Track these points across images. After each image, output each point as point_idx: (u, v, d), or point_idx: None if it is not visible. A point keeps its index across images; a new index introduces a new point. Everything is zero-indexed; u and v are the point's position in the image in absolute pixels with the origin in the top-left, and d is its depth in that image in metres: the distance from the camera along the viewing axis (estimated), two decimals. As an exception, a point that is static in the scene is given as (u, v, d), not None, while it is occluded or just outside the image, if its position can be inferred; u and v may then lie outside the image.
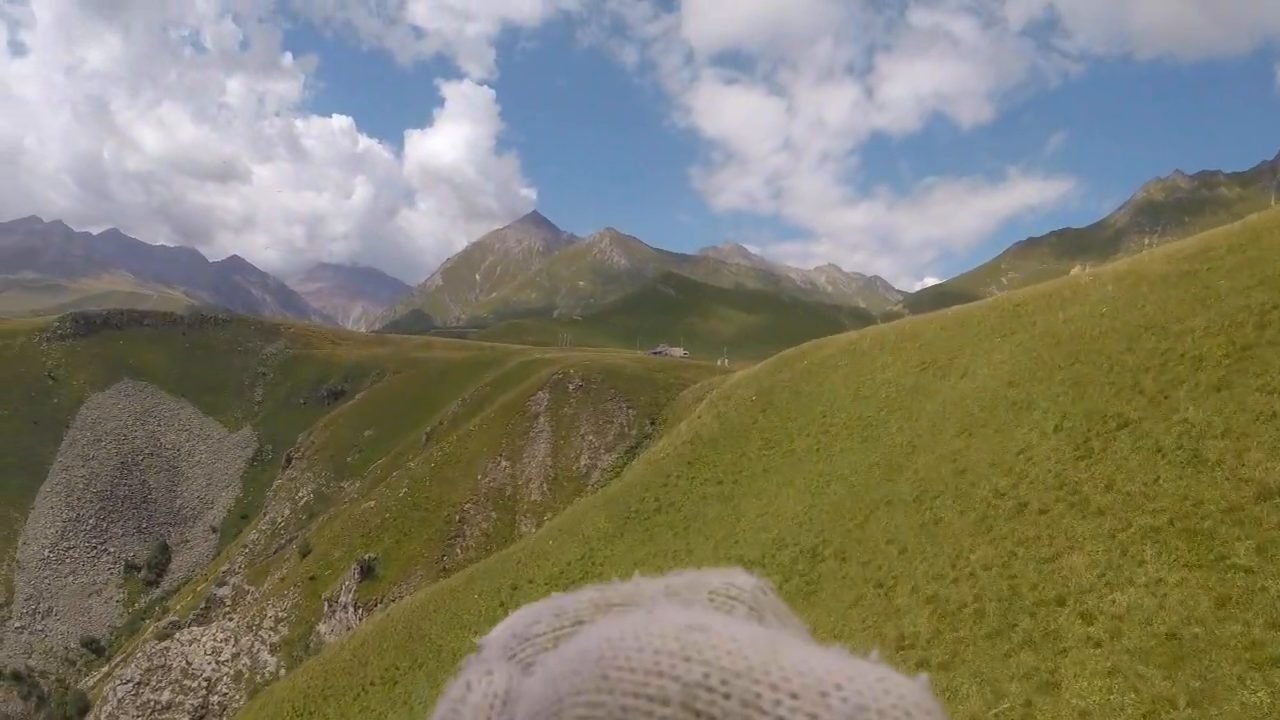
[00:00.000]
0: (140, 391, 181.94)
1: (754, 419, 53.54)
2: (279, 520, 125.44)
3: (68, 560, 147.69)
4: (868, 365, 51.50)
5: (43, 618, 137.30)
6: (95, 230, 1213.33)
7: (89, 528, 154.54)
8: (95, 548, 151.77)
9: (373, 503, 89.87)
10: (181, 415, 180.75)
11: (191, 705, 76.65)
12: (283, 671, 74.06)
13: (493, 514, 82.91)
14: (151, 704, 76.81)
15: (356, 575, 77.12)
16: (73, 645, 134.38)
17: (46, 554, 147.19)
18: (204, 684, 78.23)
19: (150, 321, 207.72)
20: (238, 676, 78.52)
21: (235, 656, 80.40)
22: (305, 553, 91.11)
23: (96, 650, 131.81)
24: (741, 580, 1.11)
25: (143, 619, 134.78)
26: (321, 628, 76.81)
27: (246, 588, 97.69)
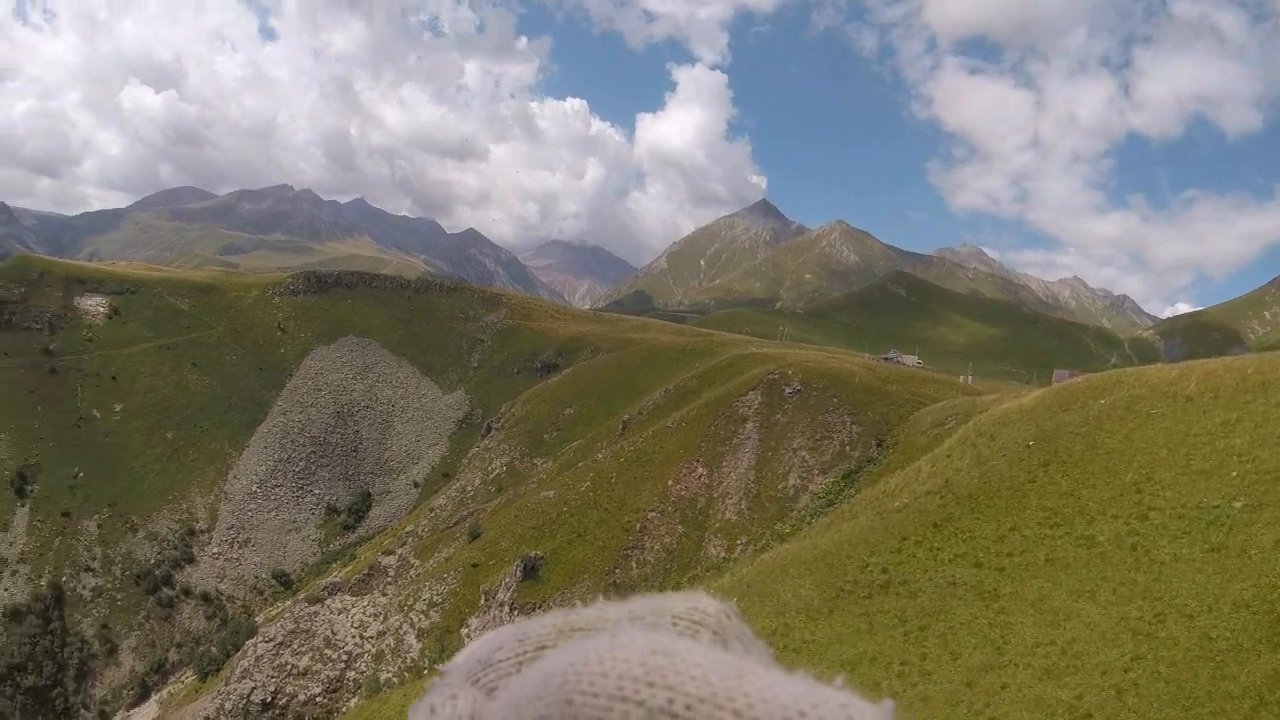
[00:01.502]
0: (364, 348, 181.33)
1: (1030, 476, 38.00)
2: (468, 489, 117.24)
3: (273, 497, 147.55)
4: (1201, 421, 35.66)
5: (240, 547, 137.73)
6: (342, 199, 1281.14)
7: (298, 469, 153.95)
8: (300, 488, 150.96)
9: (552, 493, 78.71)
10: (400, 373, 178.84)
11: (328, 676, 68.40)
12: (426, 659, 64.49)
13: (679, 527, 70.04)
14: (289, 667, 69.14)
15: (519, 573, 66.43)
16: (263, 576, 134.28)
17: (254, 489, 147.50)
18: (344, 656, 70.07)
19: (380, 284, 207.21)
20: (379, 656, 69.42)
21: (381, 635, 71.35)
22: (474, 535, 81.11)
23: (285, 583, 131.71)
24: (705, 604, 1.19)
25: (335, 560, 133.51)
26: (474, 622, 66.43)
27: (412, 561, 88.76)
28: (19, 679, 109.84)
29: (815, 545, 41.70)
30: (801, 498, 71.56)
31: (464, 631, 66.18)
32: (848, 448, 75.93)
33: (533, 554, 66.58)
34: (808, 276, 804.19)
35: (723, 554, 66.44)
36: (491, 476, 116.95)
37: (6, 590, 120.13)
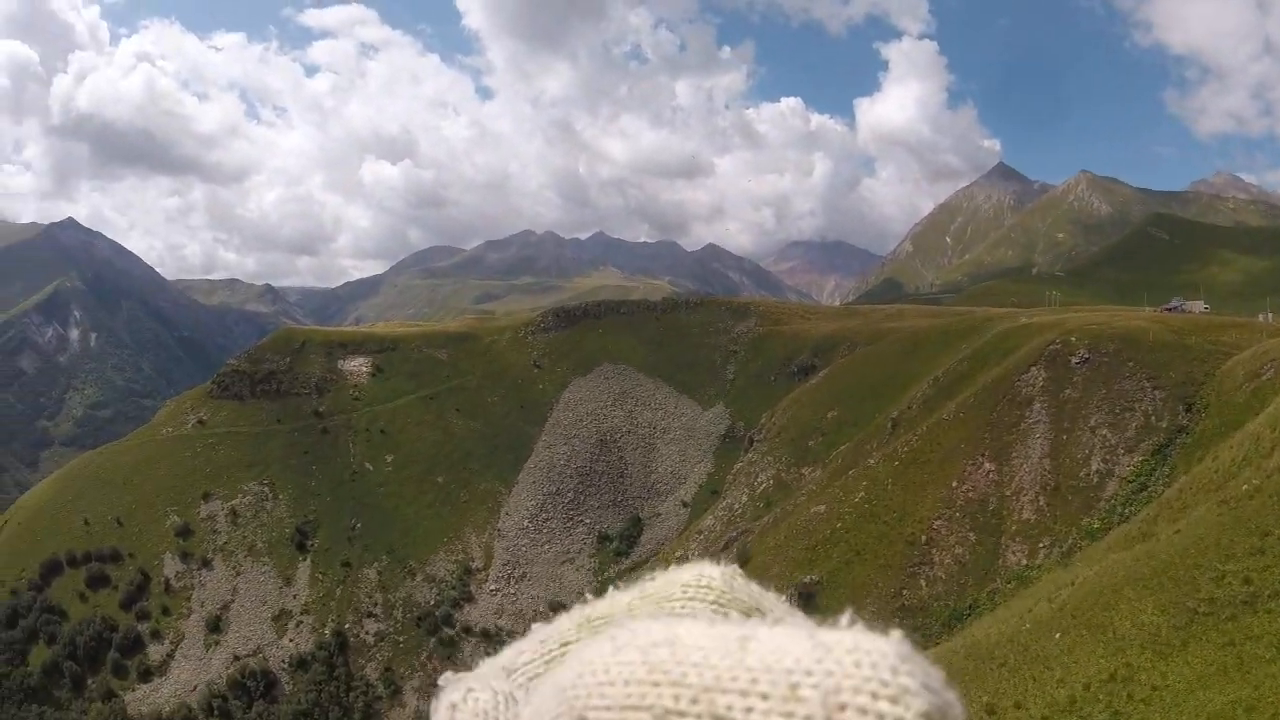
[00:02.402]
0: (619, 374, 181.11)
1: None
2: (736, 506, 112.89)
3: (545, 530, 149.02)
4: None
5: (516, 582, 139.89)
6: (583, 235, 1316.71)
7: (567, 501, 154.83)
8: (571, 519, 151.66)
9: (823, 507, 72.44)
10: (657, 395, 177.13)
11: None
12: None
13: (970, 535, 62.42)
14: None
15: (794, 603, 60.50)
16: (541, 609, 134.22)
17: (526, 524, 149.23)
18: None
19: (626, 310, 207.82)
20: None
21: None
22: (743, 561, 75.76)
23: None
24: (711, 571, 1.25)
25: (611, 586, 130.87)
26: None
27: None
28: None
29: (1150, 553, 33.80)
30: (1108, 484, 62.38)
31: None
32: (1153, 418, 65.77)
33: (807, 579, 61.18)
34: (1060, 236, 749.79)
35: (1024, 560, 58.46)
36: (759, 491, 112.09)
37: (292, 641, 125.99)
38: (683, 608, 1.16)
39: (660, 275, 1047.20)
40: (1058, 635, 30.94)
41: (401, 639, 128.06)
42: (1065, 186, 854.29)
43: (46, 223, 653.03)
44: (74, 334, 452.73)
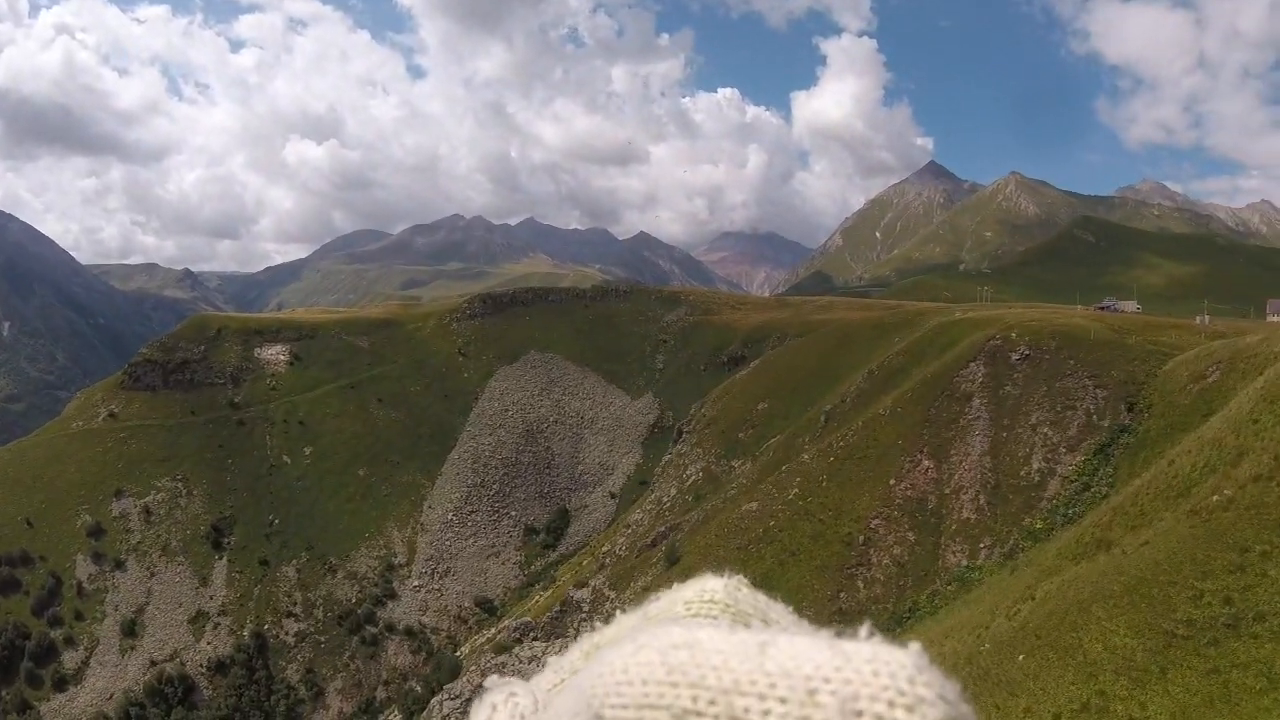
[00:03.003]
0: (546, 363, 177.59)
1: None
2: (665, 500, 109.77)
3: (469, 524, 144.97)
4: None
5: (440, 577, 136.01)
6: (513, 221, 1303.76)
7: (492, 493, 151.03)
8: (497, 512, 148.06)
9: (755, 504, 69.35)
10: (585, 384, 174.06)
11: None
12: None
13: (909, 534, 59.89)
14: (479, 726, 62.00)
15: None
16: (466, 605, 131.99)
17: (450, 518, 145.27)
18: (537, 712, 62.39)
19: (555, 298, 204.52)
20: (578, 710, 61.63)
21: (578, 686, 63.62)
22: (672, 560, 72.45)
23: (489, 609, 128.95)
24: (713, 584, 1.25)
25: (536, 582, 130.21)
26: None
27: (607, 593, 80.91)
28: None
29: (1118, 568, 31.13)
30: (1049, 484, 60.38)
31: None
32: (1094, 417, 63.98)
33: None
34: (988, 235, 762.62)
35: (964, 561, 56.18)
36: (688, 484, 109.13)
37: (209, 644, 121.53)
38: (699, 621, 1.17)
39: (591, 263, 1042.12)
40: (1021, 658, 28.19)
41: (323, 639, 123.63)
42: (995, 187, 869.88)
43: None
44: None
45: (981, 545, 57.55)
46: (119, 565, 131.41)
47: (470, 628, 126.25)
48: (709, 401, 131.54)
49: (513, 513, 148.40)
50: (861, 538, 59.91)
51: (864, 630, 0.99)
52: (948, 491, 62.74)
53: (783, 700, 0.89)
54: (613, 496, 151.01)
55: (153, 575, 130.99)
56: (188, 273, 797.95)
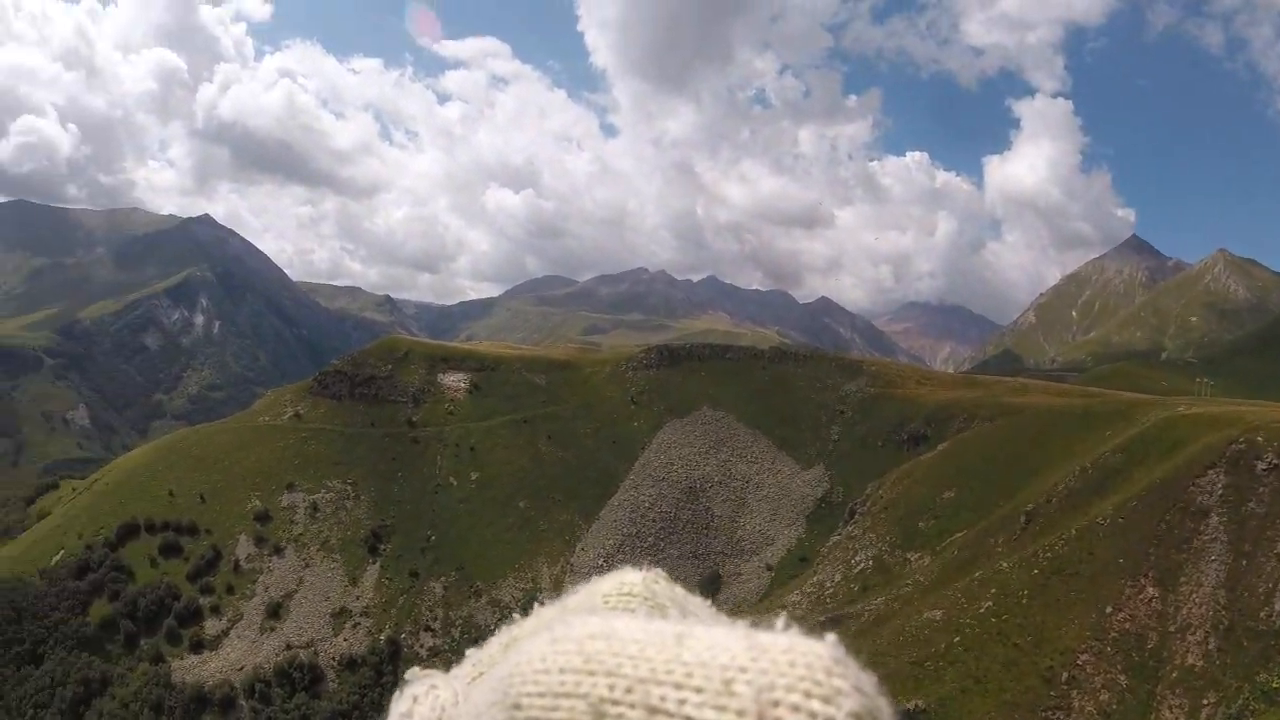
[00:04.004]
0: (717, 422, 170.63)
1: None
2: (828, 585, 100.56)
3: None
4: None
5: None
6: (695, 277, 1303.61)
7: (646, 545, 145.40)
8: (647, 565, 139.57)
9: (940, 614, 59.52)
10: (755, 448, 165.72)
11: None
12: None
13: (1120, 677, 50.15)
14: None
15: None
16: None
17: (600, 563, 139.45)
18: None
19: (732, 356, 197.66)
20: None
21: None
22: None
23: None
24: (631, 577, 1.26)
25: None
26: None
27: None
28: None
29: None
30: (1298, 633, 49.57)
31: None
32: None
33: (912, 704, 48.52)
34: (1193, 319, 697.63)
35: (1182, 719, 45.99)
36: (855, 571, 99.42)
37: (345, 640, 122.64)
38: (617, 612, 1.16)
39: (769, 324, 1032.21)
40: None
41: (454, 658, 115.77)
42: (1201, 266, 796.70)
43: (185, 216, 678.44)
44: (199, 319, 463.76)
45: (1205, 701, 47.49)
46: (278, 551, 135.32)
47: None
48: (888, 482, 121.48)
49: (663, 569, 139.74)
50: (1065, 675, 50.13)
51: (780, 621, 0.97)
52: (1172, 629, 52.44)
53: (699, 690, 0.87)
54: (769, 569, 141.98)
55: (307, 566, 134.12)
56: (388, 299, 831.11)
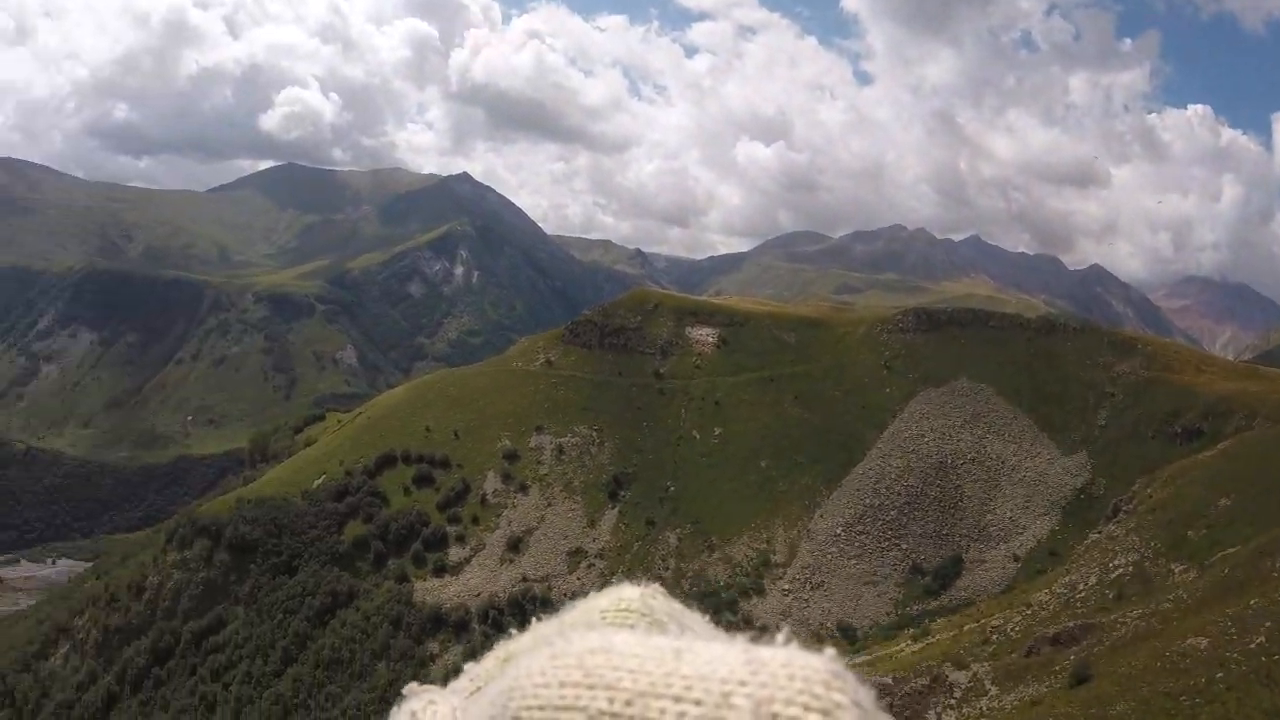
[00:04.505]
0: (975, 394, 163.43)
1: None
2: (1080, 587, 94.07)
3: (856, 543, 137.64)
4: None
5: (812, 589, 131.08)
6: (956, 237, 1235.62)
7: (888, 519, 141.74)
8: (887, 539, 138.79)
9: (1205, 642, 53.73)
10: (1014, 426, 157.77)
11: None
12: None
13: None
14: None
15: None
16: (828, 625, 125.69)
17: (838, 532, 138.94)
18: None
19: (995, 324, 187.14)
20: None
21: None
22: (1079, 679, 57.88)
23: (849, 637, 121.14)
24: (629, 593, 1.28)
25: (908, 626, 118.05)
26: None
27: (987, 686, 68.24)
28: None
29: None
30: None
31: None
32: None
33: None
34: None
35: None
36: (1112, 576, 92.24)
37: (578, 579, 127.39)
38: (616, 627, 1.16)
39: (1036, 292, 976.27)
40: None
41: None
42: None
43: (444, 175, 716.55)
44: (459, 270, 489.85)
45: None
46: (523, 489, 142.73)
47: (823, 649, 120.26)
48: (1160, 481, 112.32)
49: (904, 545, 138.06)
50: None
51: (781, 636, 0.99)
52: None
53: (697, 703, 0.88)
54: (1015, 559, 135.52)
55: (549, 505, 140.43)
56: (639, 252, 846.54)
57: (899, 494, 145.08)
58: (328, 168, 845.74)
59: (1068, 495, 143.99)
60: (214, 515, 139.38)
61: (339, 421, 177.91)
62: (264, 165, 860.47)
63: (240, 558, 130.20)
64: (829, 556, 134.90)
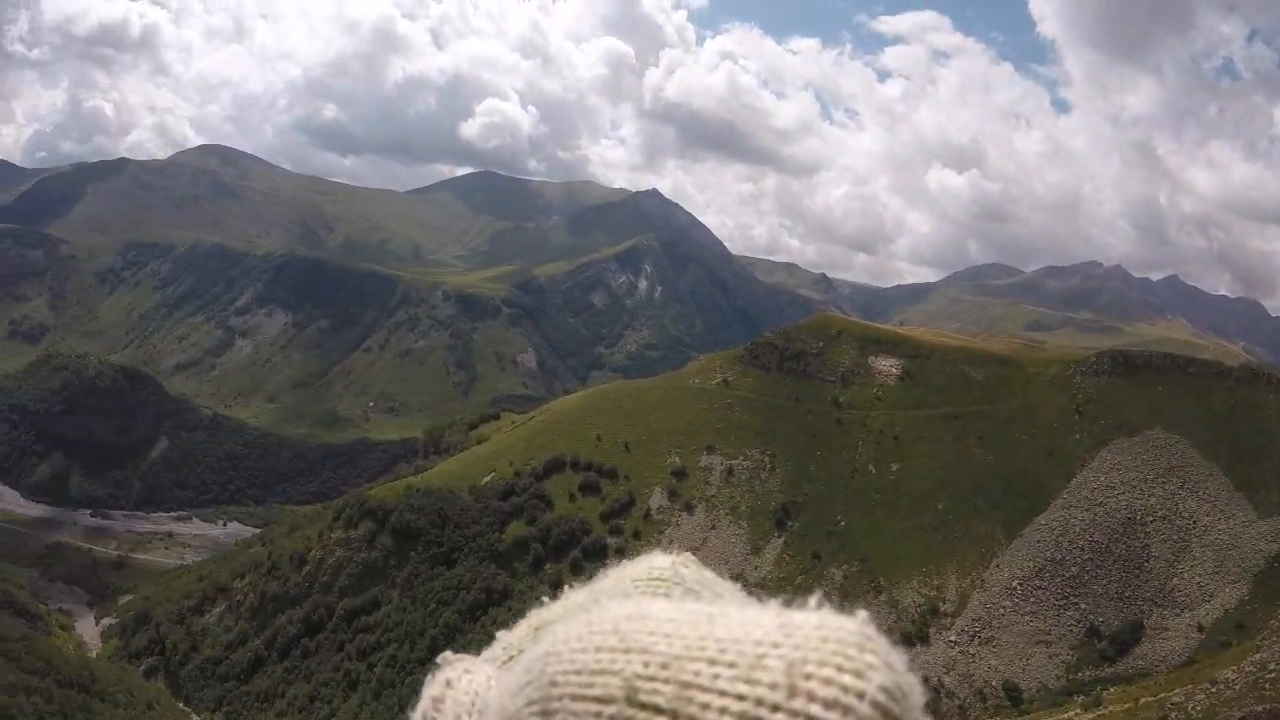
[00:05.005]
0: (1169, 445, 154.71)
1: None
2: (1269, 668, 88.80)
3: (1031, 599, 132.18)
4: None
5: (980, 644, 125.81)
6: (1154, 276, 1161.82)
7: (1069, 575, 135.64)
8: (1065, 597, 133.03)
9: None
10: (1209, 483, 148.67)
11: None
12: None
13: None
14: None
15: None
16: (994, 683, 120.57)
17: (1014, 585, 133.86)
18: None
19: (1195, 370, 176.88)
20: None
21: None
22: None
23: (1014, 699, 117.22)
24: (660, 561, 1.30)
25: (1077, 693, 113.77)
26: None
27: None
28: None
29: None
30: None
31: None
32: None
33: None
34: None
35: None
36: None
37: None
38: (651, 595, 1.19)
39: (1234, 337, 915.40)
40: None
41: None
42: None
43: (634, 190, 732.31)
44: (642, 284, 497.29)
45: None
46: (688, 508, 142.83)
47: (988, 710, 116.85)
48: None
49: (1082, 605, 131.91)
50: None
51: (814, 600, 1.01)
52: None
53: (731, 665, 0.91)
54: (1200, 630, 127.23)
55: (713, 527, 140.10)
56: (823, 277, 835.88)
57: (1082, 549, 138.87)
58: (522, 177, 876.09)
59: (1262, 563, 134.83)
60: (382, 499, 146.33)
61: (513, 422, 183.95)
62: (462, 171, 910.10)
63: (402, 543, 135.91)
64: (1001, 610, 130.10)
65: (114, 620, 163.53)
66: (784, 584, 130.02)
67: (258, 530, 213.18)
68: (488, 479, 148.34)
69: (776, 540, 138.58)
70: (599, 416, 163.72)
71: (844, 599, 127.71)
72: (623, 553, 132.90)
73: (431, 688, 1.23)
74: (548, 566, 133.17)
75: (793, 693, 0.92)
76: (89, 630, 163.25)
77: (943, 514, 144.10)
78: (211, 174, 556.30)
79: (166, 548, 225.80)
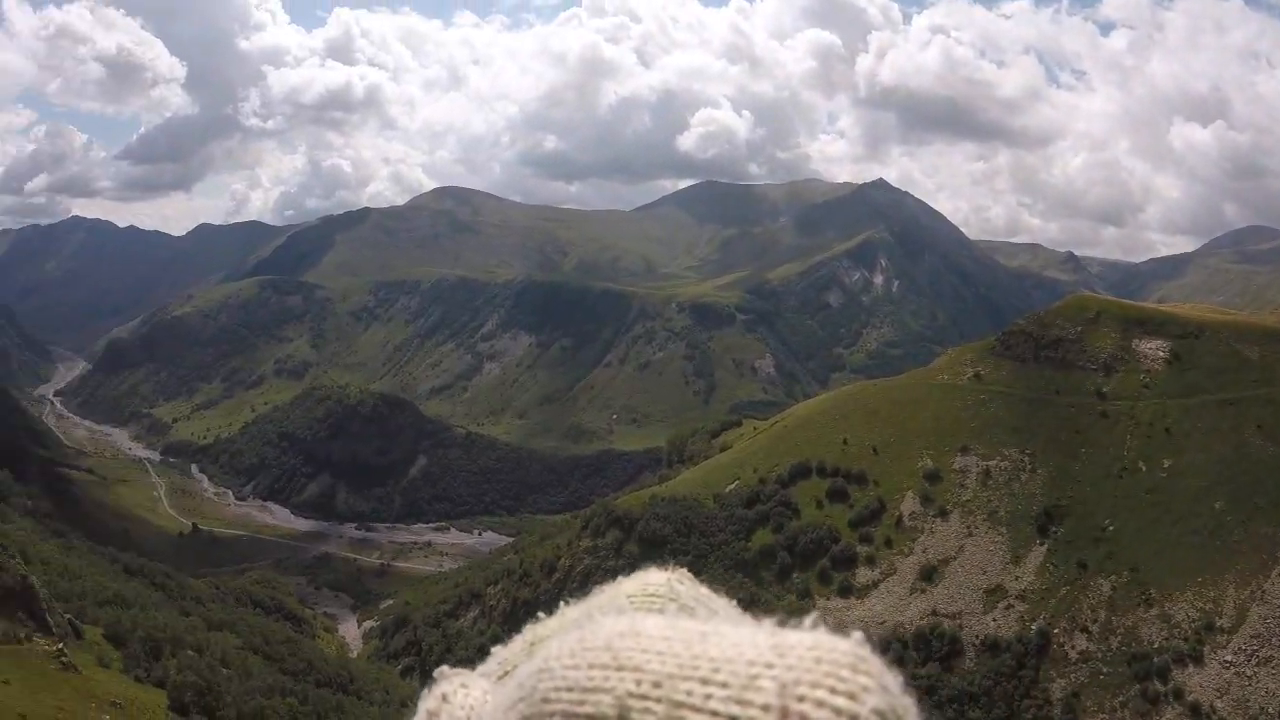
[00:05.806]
0: None
1: None
2: None
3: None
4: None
5: (1259, 664, 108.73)
6: None
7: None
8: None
9: None
10: None
11: None
12: None
13: None
14: None
15: None
16: (1271, 709, 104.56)
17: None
18: None
19: None
20: None
21: None
22: None
23: None
24: (655, 577, 1.31)
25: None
26: None
27: None
28: (966, 708, 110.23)
29: None
30: None
31: None
32: None
33: None
34: None
35: None
36: None
37: (994, 621, 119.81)
38: (645, 611, 1.19)
39: None
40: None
41: (1105, 670, 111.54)
42: None
43: (859, 182, 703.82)
44: (878, 279, 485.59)
45: None
46: (943, 514, 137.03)
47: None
48: None
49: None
50: None
51: (809, 620, 1.01)
52: None
53: (723, 685, 0.91)
54: None
55: (970, 534, 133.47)
56: (1070, 256, 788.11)
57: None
58: (744, 182, 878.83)
59: None
60: (628, 508, 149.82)
61: (755, 429, 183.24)
62: (684, 184, 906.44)
63: (649, 551, 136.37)
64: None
65: (375, 623, 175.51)
66: (1047, 595, 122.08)
67: (510, 539, 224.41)
68: (732, 486, 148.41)
69: (1039, 548, 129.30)
70: (843, 419, 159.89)
71: (1111, 612, 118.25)
72: (873, 561, 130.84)
73: (427, 701, 1.23)
74: (795, 575, 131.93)
75: (785, 715, 0.92)
76: (352, 632, 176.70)
77: (1219, 515, 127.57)
78: (448, 213, 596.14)
79: (425, 556, 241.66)
